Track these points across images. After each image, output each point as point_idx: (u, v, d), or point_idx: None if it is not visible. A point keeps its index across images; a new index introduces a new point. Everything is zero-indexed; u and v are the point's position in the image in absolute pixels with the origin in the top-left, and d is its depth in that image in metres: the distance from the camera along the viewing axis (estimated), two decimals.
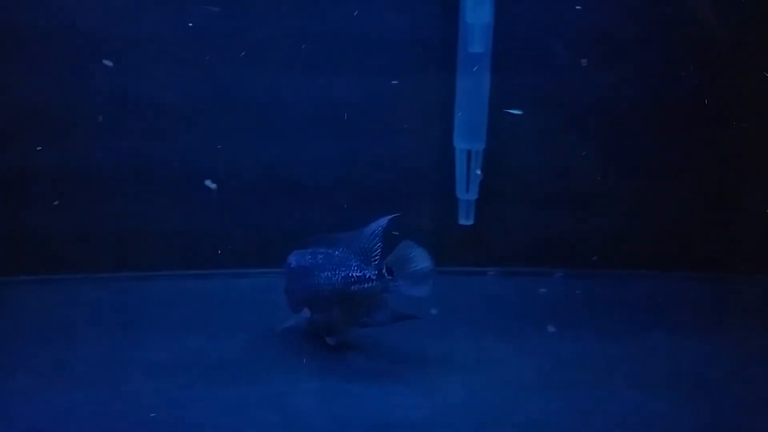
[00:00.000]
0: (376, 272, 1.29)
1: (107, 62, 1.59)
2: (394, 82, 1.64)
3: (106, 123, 1.64)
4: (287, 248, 1.54)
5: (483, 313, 1.58)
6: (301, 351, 1.37)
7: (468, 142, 1.64)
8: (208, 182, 1.62)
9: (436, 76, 1.65)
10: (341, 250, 1.34)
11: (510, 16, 1.59)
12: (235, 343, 1.39)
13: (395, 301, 1.31)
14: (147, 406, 1.17)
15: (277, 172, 1.71)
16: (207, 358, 1.33)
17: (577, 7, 1.61)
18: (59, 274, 1.65)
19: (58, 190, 1.66)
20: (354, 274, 1.29)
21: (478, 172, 1.62)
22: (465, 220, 1.67)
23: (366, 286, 1.28)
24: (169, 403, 1.19)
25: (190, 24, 1.60)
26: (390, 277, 1.29)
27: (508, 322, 1.52)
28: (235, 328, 1.44)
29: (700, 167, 1.71)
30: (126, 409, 1.17)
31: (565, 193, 1.72)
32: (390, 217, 1.35)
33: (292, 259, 1.42)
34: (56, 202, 1.64)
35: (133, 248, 1.69)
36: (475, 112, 1.63)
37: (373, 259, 1.30)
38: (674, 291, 1.66)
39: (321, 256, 1.35)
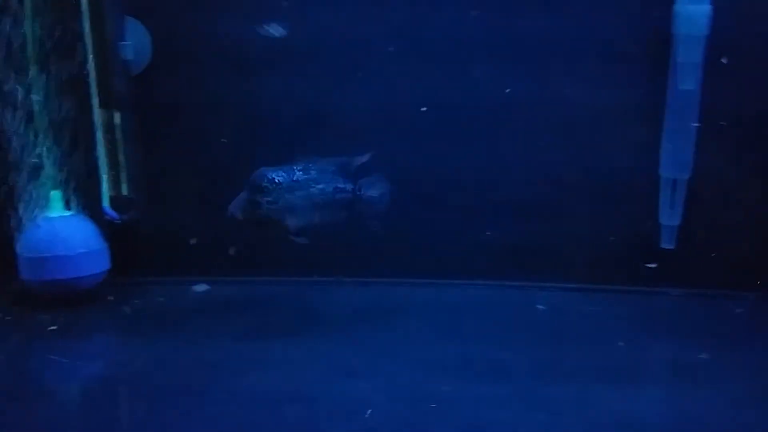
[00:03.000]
0: (352, 186, 1.67)
1: None
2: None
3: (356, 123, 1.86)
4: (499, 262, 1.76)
5: (682, 329, 1.70)
6: (546, 352, 1.54)
7: (674, 171, 1.77)
8: None
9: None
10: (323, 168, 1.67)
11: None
12: (489, 347, 1.56)
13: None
14: (424, 398, 1.34)
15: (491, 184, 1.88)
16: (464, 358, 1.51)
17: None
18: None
19: None
20: (340, 186, 1.66)
21: None
22: (667, 244, 1.80)
23: (347, 196, 1.67)
24: (442, 397, 1.34)
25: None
26: (359, 193, 1.68)
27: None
28: (483, 333, 1.63)
29: None
30: (404, 399, 1.35)
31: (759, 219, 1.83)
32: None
33: (280, 175, 1.64)
34: None
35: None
36: (682, 143, 1.75)
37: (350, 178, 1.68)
38: None
39: (314, 172, 1.65)
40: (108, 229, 1.85)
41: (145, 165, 1.87)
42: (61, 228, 1.80)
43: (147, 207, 1.89)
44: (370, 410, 1.30)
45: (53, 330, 1.68)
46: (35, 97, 1.76)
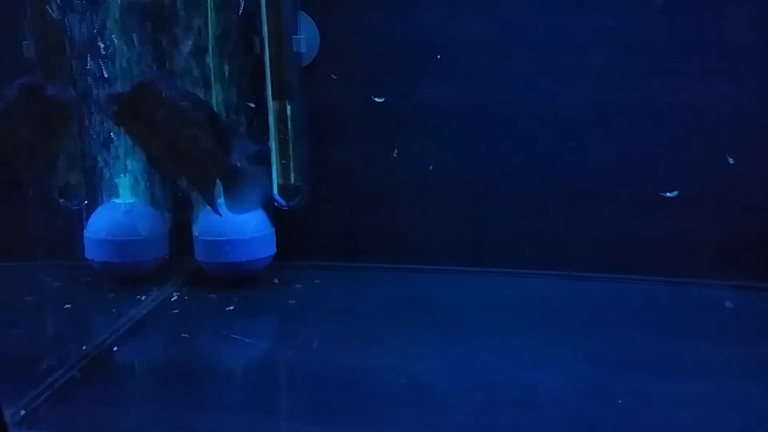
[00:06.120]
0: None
1: None
2: None
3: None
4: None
5: None
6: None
7: None
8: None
9: None
10: None
11: None
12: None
13: None
14: (611, 396, 1.36)
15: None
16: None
17: None
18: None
19: None
20: None
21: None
22: None
23: None
24: (634, 394, 1.36)
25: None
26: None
27: None
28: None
29: None
30: (595, 396, 1.38)
31: None
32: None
33: None
34: None
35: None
36: None
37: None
38: None
39: None
40: (275, 216, 1.93)
41: (310, 155, 1.94)
42: (234, 213, 1.88)
43: (311, 195, 1.96)
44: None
45: (230, 310, 1.77)
46: (214, 90, 1.86)
